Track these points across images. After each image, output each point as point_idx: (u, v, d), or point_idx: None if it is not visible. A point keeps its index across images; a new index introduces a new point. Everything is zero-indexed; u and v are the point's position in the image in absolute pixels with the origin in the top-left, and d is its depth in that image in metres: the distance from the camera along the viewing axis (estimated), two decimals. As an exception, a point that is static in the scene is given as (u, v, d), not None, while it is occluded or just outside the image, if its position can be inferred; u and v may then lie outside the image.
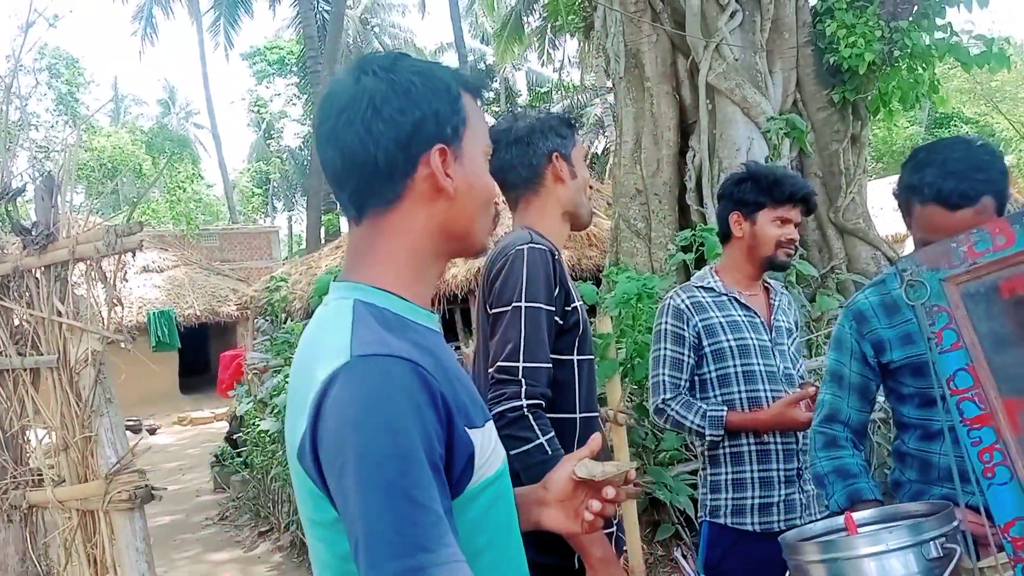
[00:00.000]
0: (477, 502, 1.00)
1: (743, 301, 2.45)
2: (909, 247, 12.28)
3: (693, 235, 4.86)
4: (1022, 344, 1.24)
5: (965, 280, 1.26)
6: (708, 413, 2.35)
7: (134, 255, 2.48)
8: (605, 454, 1.88)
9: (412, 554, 0.85)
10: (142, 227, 2.45)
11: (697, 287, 2.51)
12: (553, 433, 1.72)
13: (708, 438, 2.36)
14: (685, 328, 2.42)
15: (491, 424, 1.08)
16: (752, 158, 8.27)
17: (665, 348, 2.44)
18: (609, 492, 1.19)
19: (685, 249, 5.11)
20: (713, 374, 2.42)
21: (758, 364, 2.40)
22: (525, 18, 21.28)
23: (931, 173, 1.71)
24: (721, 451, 2.41)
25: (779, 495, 2.37)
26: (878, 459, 5.41)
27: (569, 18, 11.35)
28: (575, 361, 1.84)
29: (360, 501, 0.88)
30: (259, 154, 39.06)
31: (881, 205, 12.61)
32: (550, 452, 1.67)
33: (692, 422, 2.37)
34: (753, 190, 2.43)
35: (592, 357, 1.92)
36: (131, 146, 25.42)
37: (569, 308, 1.83)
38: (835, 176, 8.68)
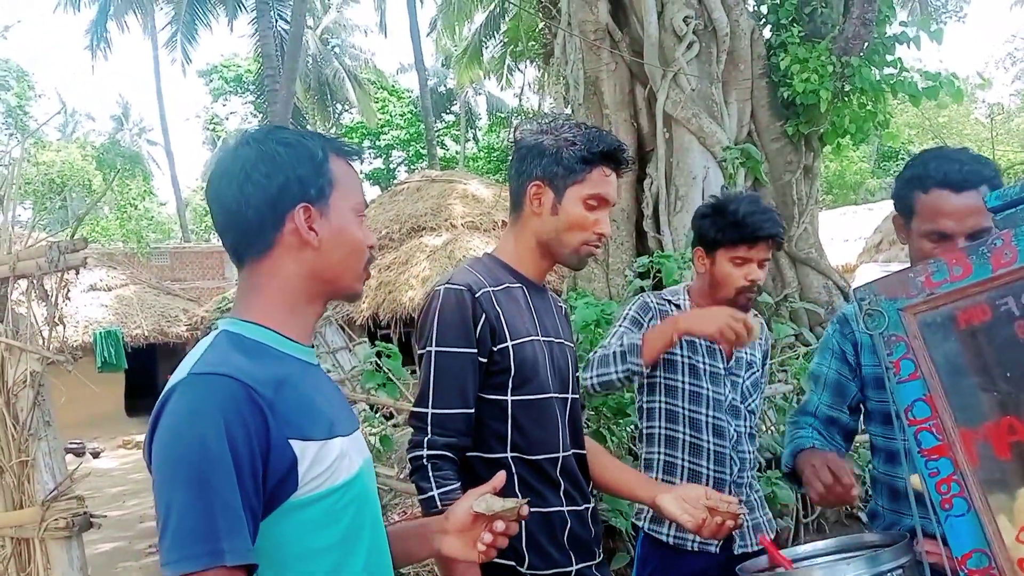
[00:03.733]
0: (316, 507, 1.15)
1: None
2: (859, 276, 12.55)
3: (650, 261, 4.89)
4: (978, 374, 1.25)
5: (923, 310, 1.27)
6: (626, 341, 2.22)
7: (78, 273, 2.40)
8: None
9: (213, 541, 1.02)
10: (87, 244, 2.38)
11: (667, 299, 2.49)
12: (455, 485, 1.68)
13: (628, 365, 2.18)
14: (645, 321, 2.40)
15: (342, 440, 1.22)
16: (708, 187, 8.40)
17: (622, 326, 2.40)
18: (499, 526, 1.36)
19: (642, 275, 5.14)
20: (662, 380, 2.40)
21: (706, 388, 2.38)
22: (485, 43, 21.41)
23: (935, 161, 1.77)
24: (656, 456, 2.40)
25: None
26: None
27: (529, 44, 11.46)
28: (508, 401, 1.76)
29: (171, 495, 1.05)
30: (214, 172, 38.49)
31: (832, 236, 12.89)
32: (440, 506, 1.64)
33: (613, 350, 2.21)
34: (712, 227, 2.33)
35: (546, 396, 1.80)
36: (81, 161, 24.88)
37: (497, 348, 1.75)
38: (788, 206, 8.85)
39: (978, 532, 1.20)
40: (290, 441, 1.13)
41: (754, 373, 2.52)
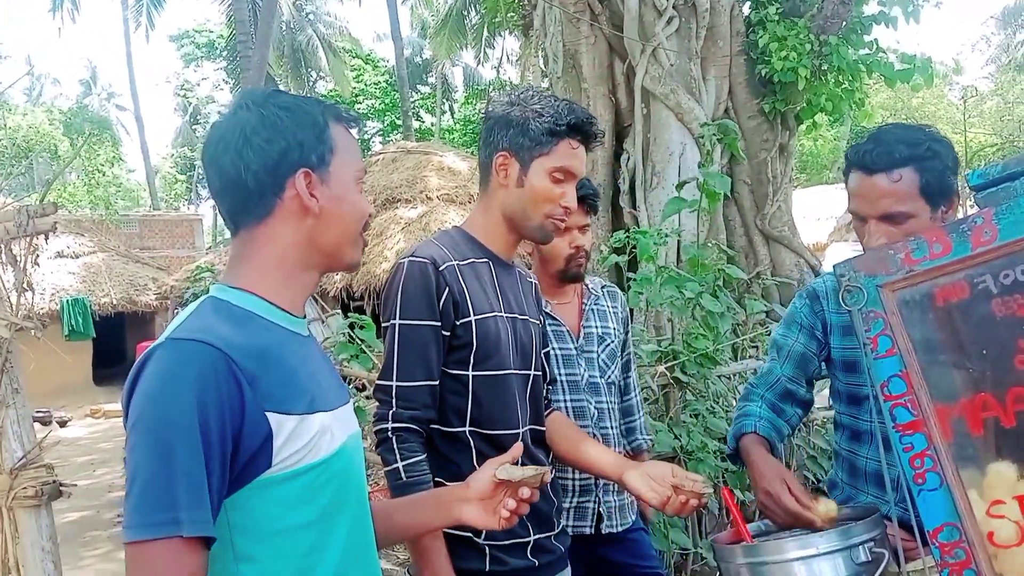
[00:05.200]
0: (295, 483, 1.13)
1: (548, 311, 2.35)
2: (830, 255, 12.69)
3: (626, 237, 4.89)
4: (954, 352, 1.26)
5: (901, 287, 1.28)
6: None
7: (47, 238, 2.35)
8: None
9: (172, 509, 1.01)
10: (56, 209, 2.32)
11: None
12: (419, 457, 1.68)
13: None
14: None
15: (323, 416, 1.19)
16: (685, 163, 8.42)
17: None
18: (524, 492, 1.36)
19: (618, 251, 5.15)
20: None
21: (560, 373, 2.34)
22: (465, 14, 21.18)
23: (859, 143, 1.78)
24: None
25: (571, 502, 2.33)
26: (797, 460, 5.56)
27: (508, 16, 11.35)
28: (470, 376, 1.76)
29: (137, 460, 1.04)
30: (184, 139, 37.95)
31: (804, 215, 13.00)
32: (405, 479, 1.65)
33: None
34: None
35: (506, 372, 1.79)
36: (48, 126, 24.36)
37: (460, 322, 1.74)
38: (763, 184, 8.90)
39: (950, 506, 1.22)
40: (267, 414, 1.11)
41: (608, 345, 2.48)
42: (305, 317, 1.30)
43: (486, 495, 1.38)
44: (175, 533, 1.01)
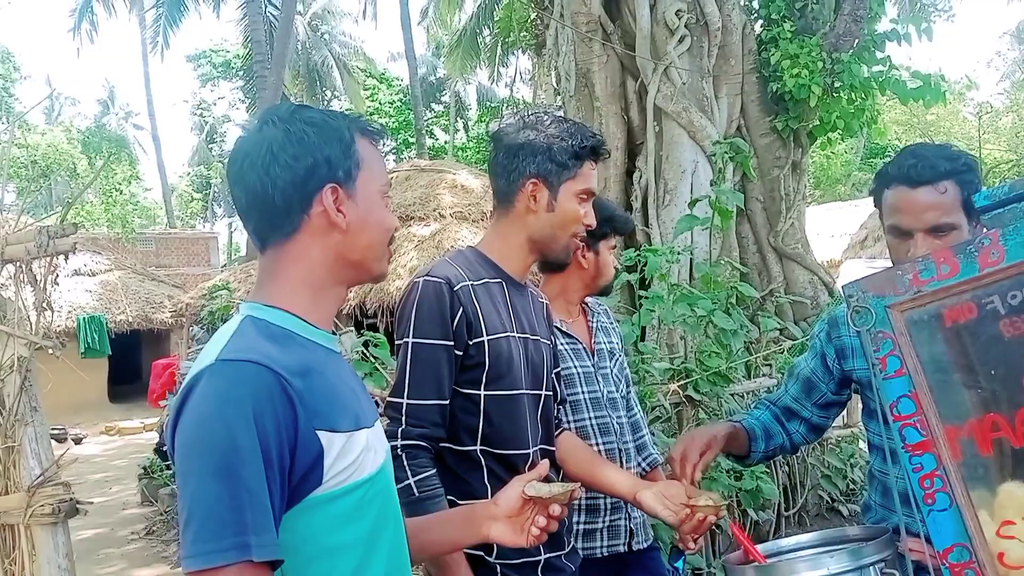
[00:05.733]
0: (342, 501, 1.13)
1: (564, 330, 2.37)
2: (845, 272, 12.62)
3: (638, 255, 4.90)
4: (962, 372, 1.27)
5: (910, 308, 1.28)
6: None
7: (67, 258, 2.39)
8: None
9: (240, 534, 0.99)
10: (76, 229, 2.36)
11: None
12: (430, 472, 1.70)
13: None
14: None
15: (367, 432, 1.20)
16: (696, 180, 8.43)
17: None
18: (555, 509, 1.35)
19: (630, 269, 5.15)
20: None
21: (582, 392, 2.34)
22: (479, 33, 21.33)
23: (900, 157, 1.79)
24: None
25: (604, 522, 2.32)
26: (812, 480, 5.52)
27: (521, 35, 11.43)
28: (482, 396, 1.77)
29: (196, 485, 1.02)
30: (200, 158, 38.31)
31: (818, 231, 12.95)
32: (417, 494, 1.66)
33: None
34: (598, 221, 2.39)
35: (518, 392, 1.81)
36: (66, 145, 24.64)
37: (473, 342, 1.76)
38: (776, 202, 8.89)
39: (960, 526, 1.22)
40: (317, 432, 1.10)
41: (618, 359, 2.53)
42: (336, 333, 1.31)
43: (514, 512, 1.38)
44: (245, 558, 0.99)
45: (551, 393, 1.94)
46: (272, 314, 1.19)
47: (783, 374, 5.48)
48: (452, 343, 1.74)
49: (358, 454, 1.15)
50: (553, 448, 1.94)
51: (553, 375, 2.00)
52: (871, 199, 1.91)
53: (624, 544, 2.35)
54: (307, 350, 1.18)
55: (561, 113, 2.18)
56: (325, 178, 1.20)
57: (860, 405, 2.08)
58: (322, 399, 1.13)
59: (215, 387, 1.06)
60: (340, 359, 1.28)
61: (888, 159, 1.89)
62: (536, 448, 1.84)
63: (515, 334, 1.83)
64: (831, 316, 2.07)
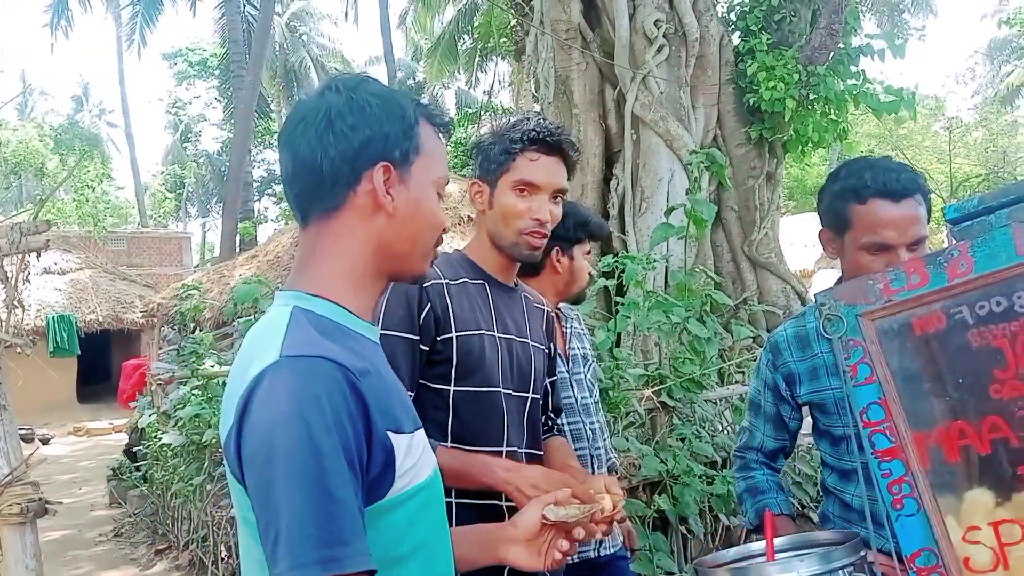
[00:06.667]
0: (404, 508, 1.05)
1: None
2: (817, 282, 12.77)
3: (615, 261, 4.93)
4: (931, 380, 1.29)
5: (880, 316, 1.31)
6: None
7: (39, 256, 2.37)
8: None
9: (331, 546, 0.90)
10: (49, 227, 2.34)
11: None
12: None
13: None
14: None
15: (421, 433, 1.12)
16: (673, 189, 8.50)
17: None
18: (579, 532, 1.33)
19: (606, 275, 5.19)
20: None
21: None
22: (458, 38, 21.36)
23: (869, 172, 1.75)
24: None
25: None
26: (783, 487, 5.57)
27: (501, 41, 11.46)
28: (451, 391, 1.78)
29: (280, 495, 0.92)
30: (175, 157, 37.95)
31: (791, 241, 13.09)
32: None
33: None
34: (573, 226, 2.41)
35: (490, 389, 1.79)
36: (37, 142, 24.33)
37: (441, 338, 1.76)
38: (750, 211, 8.98)
39: (927, 531, 1.25)
40: (388, 433, 1.02)
41: (590, 364, 2.55)
42: (376, 324, 1.23)
43: (533, 536, 1.34)
44: (341, 570, 0.90)
45: (538, 396, 1.93)
46: (319, 305, 1.10)
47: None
48: (417, 337, 1.75)
49: (419, 456, 1.08)
50: (540, 452, 1.93)
51: (548, 382, 1.99)
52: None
53: (594, 549, 2.36)
54: (359, 344, 1.09)
55: (533, 112, 2.17)
56: (379, 155, 1.11)
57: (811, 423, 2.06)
58: (383, 397, 1.05)
59: (287, 386, 0.95)
60: (381, 351, 1.18)
61: (837, 174, 1.84)
62: (513, 449, 1.83)
63: (494, 333, 1.83)
64: (772, 343, 2.02)
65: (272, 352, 1.00)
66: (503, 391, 1.82)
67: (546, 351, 2.00)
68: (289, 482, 0.92)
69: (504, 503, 1.75)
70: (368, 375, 1.03)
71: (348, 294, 1.13)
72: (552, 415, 2.08)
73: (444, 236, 1.25)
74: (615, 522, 1.60)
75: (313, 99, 1.15)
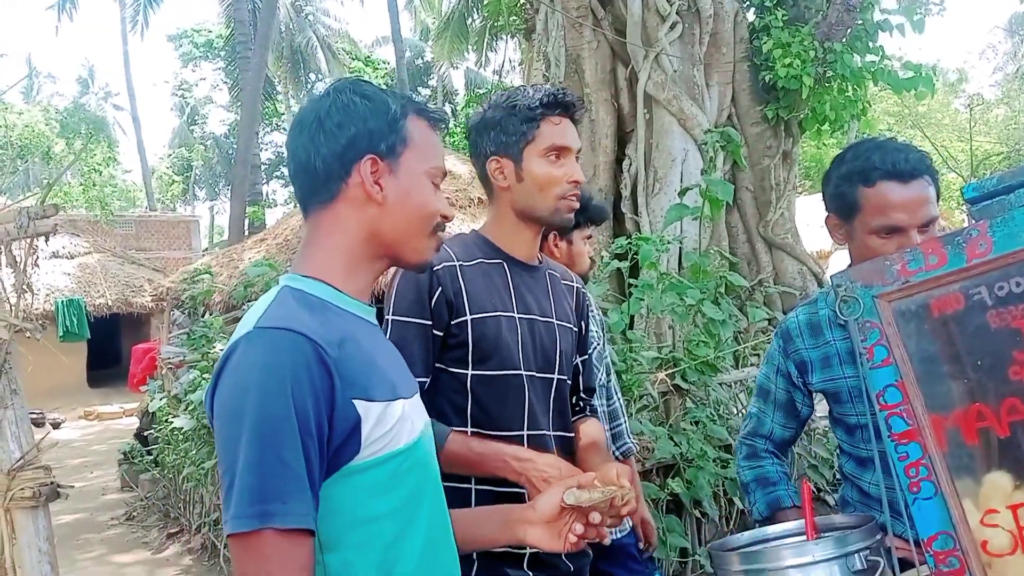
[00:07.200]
0: (374, 472, 1.15)
1: None
2: (834, 263, 12.71)
3: (628, 243, 4.92)
4: (949, 362, 1.29)
5: (897, 298, 1.30)
6: None
7: (47, 240, 2.38)
8: None
9: (269, 501, 1.02)
10: (57, 210, 2.35)
11: None
12: None
13: None
14: None
15: (404, 403, 1.21)
16: (687, 169, 8.46)
17: None
18: (595, 517, 1.35)
19: (619, 257, 5.18)
20: None
21: None
22: (467, 17, 21.25)
23: (877, 154, 1.73)
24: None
25: None
26: (798, 470, 5.58)
27: (511, 19, 11.39)
28: (468, 375, 1.77)
29: (236, 452, 1.04)
30: (181, 140, 38.04)
31: (808, 222, 13.03)
32: None
33: None
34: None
35: (510, 372, 1.78)
36: (43, 125, 24.41)
37: (455, 322, 1.75)
38: (766, 191, 8.94)
39: (944, 515, 1.25)
40: (354, 401, 1.12)
41: (596, 347, 2.50)
42: (373, 306, 1.30)
43: (552, 518, 1.37)
44: (268, 524, 1.02)
45: (565, 377, 1.91)
46: (308, 284, 1.22)
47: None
48: (430, 322, 1.75)
49: (394, 424, 1.17)
50: (570, 434, 1.92)
51: (580, 361, 1.98)
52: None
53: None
54: (343, 320, 1.20)
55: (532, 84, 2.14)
56: (365, 149, 1.22)
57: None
58: (358, 368, 1.15)
59: (251, 355, 1.09)
60: (377, 330, 1.30)
61: (843, 157, 1.82)
62: (544, 433, 1.82)
63: (514, 314, 1.81)
64: (784, 330, 2.00)
65: (249, 324, 1.13)
66: (525, 373, 1.80)
67: (575, 330, 1.97)
68: (243, 441, 1.04)
69: (525, 491, 1.75)
70: (344, 347, 1.14)
71: (342, 276, 1.24)
72: (584, 395, 2.05)
73: (447, 223, 1.32)
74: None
75: (309, 104, 1.28)
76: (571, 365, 1.95)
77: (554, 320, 1.90)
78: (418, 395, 1.32)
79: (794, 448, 5.45)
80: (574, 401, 2.03)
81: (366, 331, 1.24)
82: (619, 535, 2.42)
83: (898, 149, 1.73)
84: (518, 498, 1.73)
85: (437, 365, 1.78)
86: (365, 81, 1.29)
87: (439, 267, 1.76)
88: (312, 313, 1.16)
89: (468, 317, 1.76)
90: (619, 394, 2.72)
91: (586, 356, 2.05)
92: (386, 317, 1.77)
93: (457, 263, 1.79)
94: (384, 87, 1.32)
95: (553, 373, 1.87)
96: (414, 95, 1.33)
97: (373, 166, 1.23)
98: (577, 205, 1.86)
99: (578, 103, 1.88)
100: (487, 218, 1.96)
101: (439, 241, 1.32)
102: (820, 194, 2.01)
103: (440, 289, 1.75)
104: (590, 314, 2.55)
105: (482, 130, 1.85)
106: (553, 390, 1.87)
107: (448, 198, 13.05)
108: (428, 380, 1.76)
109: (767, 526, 1.79)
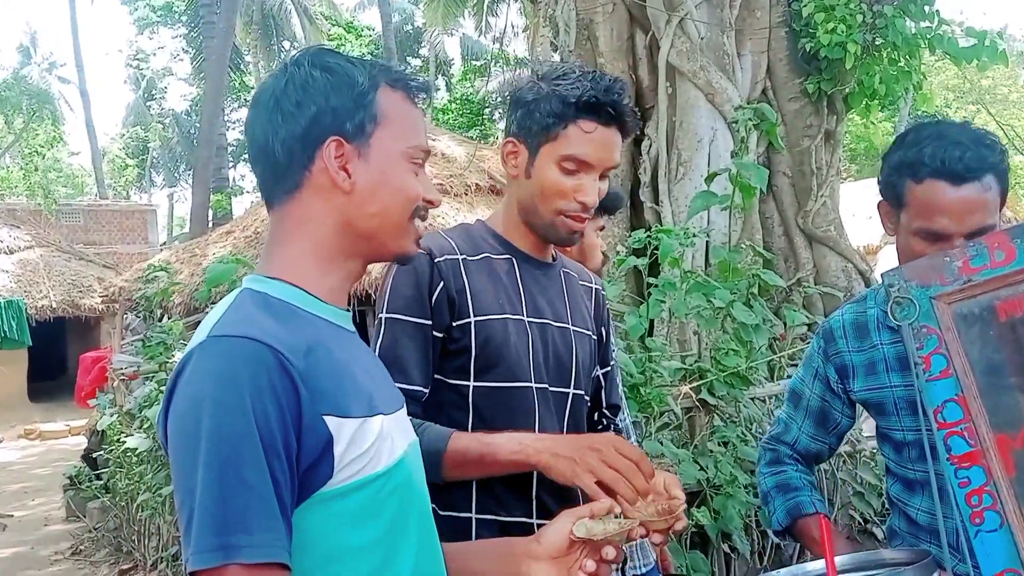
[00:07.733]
0: (353, 498, 1.14)
1: None
2: (884, 259, 12.69)
3: (647, 236, 4.91)
4: (1018, 374, 1.28)
5: (959, 299, 1.30)
6: None
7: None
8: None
9: (231, 532, 1.01)
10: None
11: None
12: None
13: None
14: None
15: (384, 419, 1.20)
16: (715, 151, 8.44)
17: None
18: (609, 553, 1.32)
19: (637, 253, 5.16)
20: None
21: None
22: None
23: (932, 144, 1.70)
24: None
25: None
26: (841, 498, 5.57)
27: (513, -21, 11.38)
28: (470, 388, 1.75)
29: (192, 477, 1.03)
30: (137, 118, 38.07)
31: (854, 212, 12.99)
32: None
33: None
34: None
35: (518, 384, 1.76)
36: (-21, 101, 24.48)
37: (457, 324, 1.73)
38: (805, 177, 8.91)
39: (1012, 549, 1.24)
40: (324, 417, 1.11)
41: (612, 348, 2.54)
42: (348, 310, 1.30)
43: (560, 553, 1.34)
44: (233, 560, 1.00)
45: (583, 392, 1.88)
46: (272, 286, 1.21)
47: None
48: (429, 322, 1.72)
49: (371, 443, 1.16)
50: None
51: (600, 373, 1.96)
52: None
53: (618, 569, 2.36)
54: (312, 326, 1.19)
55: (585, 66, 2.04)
56: (328, 130, 1.21)
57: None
58: (328, 380, 1.14)
59: (205, 367, 1.08)
60: (354, 337, 1.29)
61: (900, 140, 1.81)
62: None
63: (522, 317, 1.78)
64: (826, 329, 2.01)
65: (203, 333, 1.13)
66: (536, 386, 1.78)
67: (594, 337, 1.95)
68: (200, 465, 1.03)
69: (535, 520, 1.74)
70: (312, 356, 1.12)
71: (313, 276, 1.23)
72: (608, 412, 2.04)
73: (430, 208, 1.33)
74: (652, 539, 1.54)
75: (267, 81, 1.26)
76: (589, 378, 1.93)
77: (570, 326, 1.87)
78: (403, 411, 1.31)
79: (838, 473, 5.46)
80: (596, 419, 2.01)
81: (340, 338, 1.23)
82: (643, 570, 2.41)
83: (959, 142, 1.69)
84: (527, 529, 1.72)
85: (436, 376, 1.75)
86: (330, 50, 1.28)
87: (441, 259, 1.74)
88: (275, 319, 1.14)
89: (472, 319, 1.73)
90: (628, 410, 2.72)
91: (608, 368, 2.03)
92: (379, 315, 1.75)
93: (460, 256, 1.77)
94: (359, 57, 1.30)
95: (568, 387, 1.85)
96: (401, 65, 1.32)
97: (338, 149, 1.22)
98: (580, 228, 1.82)
99: (628, 114, 1.79)
100: (500, 206, 1.93)
101: (417, 230, 1.32)
102: (867, 180, 2.01)
103: (442, 284, 1.72)
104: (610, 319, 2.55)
105: (514, 104, 1.82)
106: (568, 406, 1.84)
107: (440, 183, 13.10)
108: (427, 391, 1.73)
109: (783, 539, 1.79)
